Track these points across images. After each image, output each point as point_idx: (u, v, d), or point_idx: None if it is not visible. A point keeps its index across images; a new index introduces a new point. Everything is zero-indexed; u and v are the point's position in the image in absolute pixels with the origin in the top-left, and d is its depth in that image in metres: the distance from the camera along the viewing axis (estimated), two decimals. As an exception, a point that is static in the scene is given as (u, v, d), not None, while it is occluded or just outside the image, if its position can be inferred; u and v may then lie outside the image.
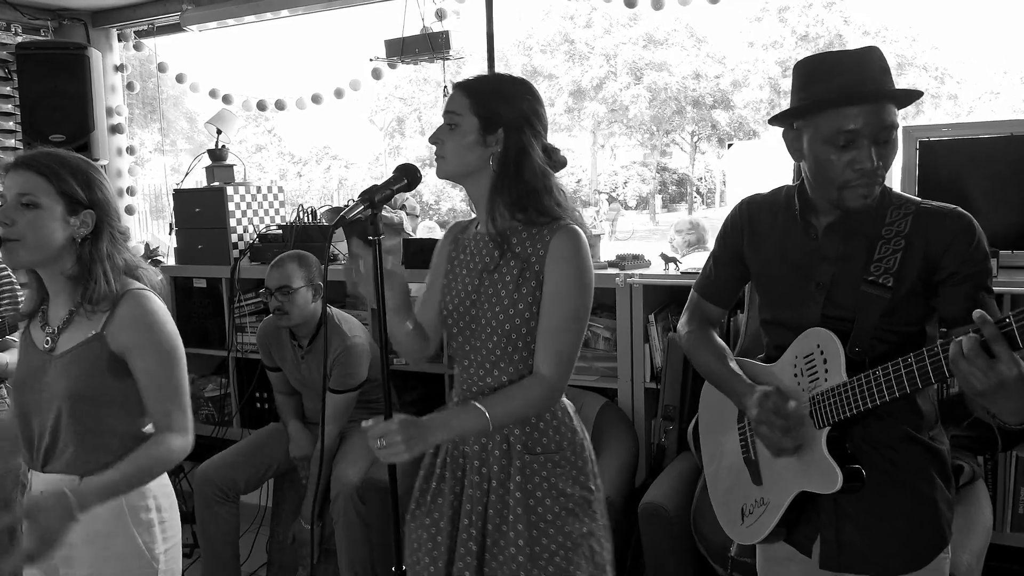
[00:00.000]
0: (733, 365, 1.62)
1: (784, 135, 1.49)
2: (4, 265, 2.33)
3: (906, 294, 1.42)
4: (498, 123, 1.57)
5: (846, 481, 1.39)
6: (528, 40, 25.82)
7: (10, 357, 2.21)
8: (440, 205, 24.06)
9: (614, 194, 26.53)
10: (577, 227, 1.58)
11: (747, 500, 1.62)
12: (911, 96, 1.41)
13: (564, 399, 1.67)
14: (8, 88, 3.87)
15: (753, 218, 1.62)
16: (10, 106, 3.87)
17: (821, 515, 1.51)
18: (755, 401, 1.49)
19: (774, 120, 1.51)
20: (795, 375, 1.50)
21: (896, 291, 1.42)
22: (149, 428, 1.67)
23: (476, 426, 1.53)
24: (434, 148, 1.63)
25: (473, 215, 1.73)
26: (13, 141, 3.88)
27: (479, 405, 1.52)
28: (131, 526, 1.59)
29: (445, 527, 1.64)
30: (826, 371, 1.43)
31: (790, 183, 1.63)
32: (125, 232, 1.70)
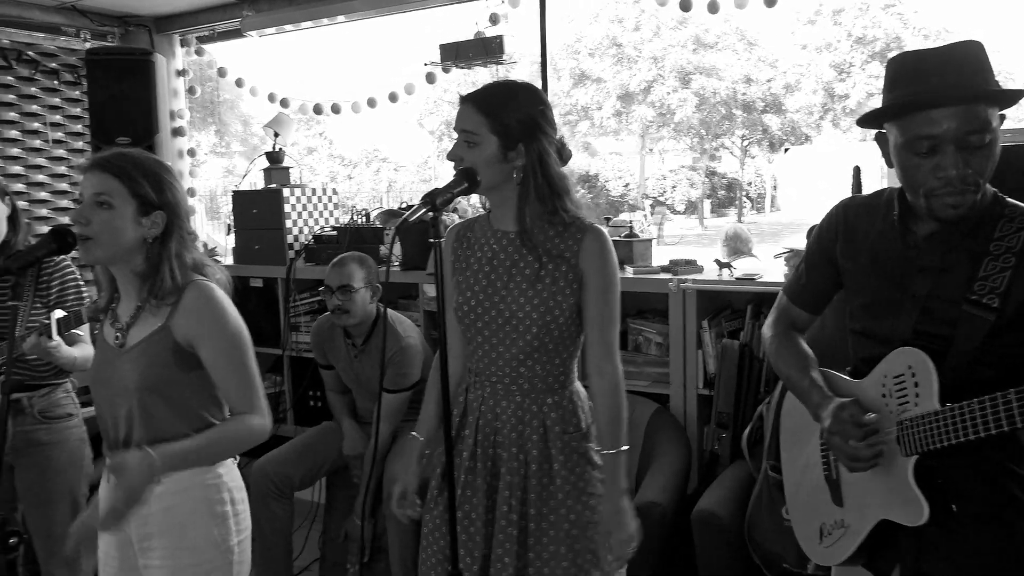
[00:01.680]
0: (815, 375, 1.55)
1: (876, 138, 1.42)
2: (69, 262, 2.41)
3: (1015, 316, 1.31)
4: (517, 139, 1.62)
5: (933, 515, 1.31)
6: (576, 44, 25.78)
7: (78, 352, 2.28)
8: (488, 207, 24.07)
9: (662, 198, 26.32)
10: (600, 226, 1.69)
11: (826, 520, 1.57)
12: (1007, 96, 1.30)
13: (578, 381, 1.78)
14: (77, 92, 4.01)
15: (849, 221, 1.54)
16: (79, 109, 4.01)
17: (902, 542, 1.43)
18: (830, 412, 1.43)
19: (862, 122, 1.43)
20: (883, 395, 1.42)
21: (1003, 312, 1.30)
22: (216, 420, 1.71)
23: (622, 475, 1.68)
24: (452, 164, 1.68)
25: (480, 212, 1.82)
26: (81, 143, 4.02)
27: (619, 451, 1.66)
28: (207, 518, 1.63)
29: (480, 516, 1.70)
30: (917, 395, 1.34)
31: (888, 186, 1.53)
32: (194, 233, 1.75)
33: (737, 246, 4.87)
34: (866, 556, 1.51)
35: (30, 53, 3.87)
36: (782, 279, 2.61)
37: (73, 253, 1.76)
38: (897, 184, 1.45)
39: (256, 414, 1.64)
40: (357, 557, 2.88)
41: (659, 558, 2.34)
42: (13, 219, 2.35)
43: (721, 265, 2.83)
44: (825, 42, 24.26)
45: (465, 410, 1.77)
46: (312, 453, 3.01)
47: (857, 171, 2.62)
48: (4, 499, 2.37)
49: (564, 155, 1.72)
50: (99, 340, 1.73)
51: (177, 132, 4.33)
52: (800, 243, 2.61)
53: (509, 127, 1.62)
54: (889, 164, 1.41)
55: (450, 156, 1.68)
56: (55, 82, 3.96)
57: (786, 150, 23.24)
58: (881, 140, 1.42)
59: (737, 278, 2.75)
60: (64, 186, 3.99)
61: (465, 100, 1.67)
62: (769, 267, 2.90)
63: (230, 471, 1.70)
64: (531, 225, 1.67)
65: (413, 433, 1.86)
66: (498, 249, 1.72)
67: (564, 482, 1.67)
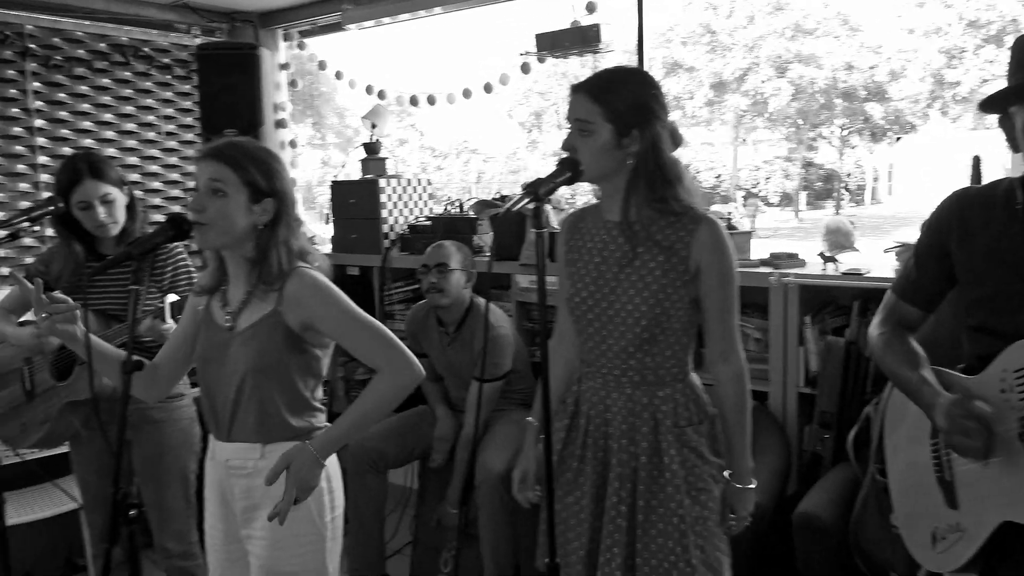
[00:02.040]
0: (926, 373, 1.49)
1: (1000, 122, 1.35)
2: (181, 249, 2.51)
3: None
4: (631, 124, 1.61)
5: None
6: (669, 32, 25.30)
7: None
8: (575, 199, 24.09)
9: (755, 190, 25.62)
10: (714, 216, 1.67)
11: (939, 523, 1.50)
12: None
13: (693, 374, 1.75)
14: (188, 86, 4.18)
15: (964, 213, 1.47)
16: (189, 103, 4.19)
17: None
18: (944, 411, 1.37)
19: (984, 105, 1.36)
20: (1002, 390, 1.35)
21: None
22: (320, 394, 1.78)
23: (749, 456, 1.72)
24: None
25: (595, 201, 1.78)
26: (191, 135, 4.20)
27: (747, 460, 1.71)
28: None
29: (588, 505, 1.71)
30: None
31: (1006, 176, 1.46)
32: (300, 220, 1.80)
33: (838, 240, 4.68)
34: (983, 562, 1.43)
35: (146, 49, 4.06)
36: (892, 274, 2.49)
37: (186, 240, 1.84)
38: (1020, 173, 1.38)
39: (398, 368, 1.68)
40: (452, 544, 2.92)
41: (756, 559, 2.28)
42: (131, 208, 2.47)
43: (825, 259, 2.72)
44: (934, 26, 23.00)
45: (578, 399, 1.77)
46: (407, 433, 3.06)
47: (977, 161, 2.48)
48: (124, 474, 2.51)
49: (677, 140, 1.70)
50: (206, 322, 1.80)
51: (280, 124, 4.47)
52: (909, 237, 2.49)
53: (622, 113, 1.60)
54: (1015, 148, 1.35)
55: (564, 146, 1.67)
56: (168, 77, 4.15)
57: (898, 139, 22.15)
58: (1006, 124, 1.35)
59: (843, 273, 2.64)
60: (176, 176, 4.18)
61: (576, 89, 1.66)
62: (876, 262, 2.77)
63: None
64: (637, 215, 1.64)
65: (529, 419, 1.88)
66: (608, 240, 1.71)
67: (674, 476, 1.66)
